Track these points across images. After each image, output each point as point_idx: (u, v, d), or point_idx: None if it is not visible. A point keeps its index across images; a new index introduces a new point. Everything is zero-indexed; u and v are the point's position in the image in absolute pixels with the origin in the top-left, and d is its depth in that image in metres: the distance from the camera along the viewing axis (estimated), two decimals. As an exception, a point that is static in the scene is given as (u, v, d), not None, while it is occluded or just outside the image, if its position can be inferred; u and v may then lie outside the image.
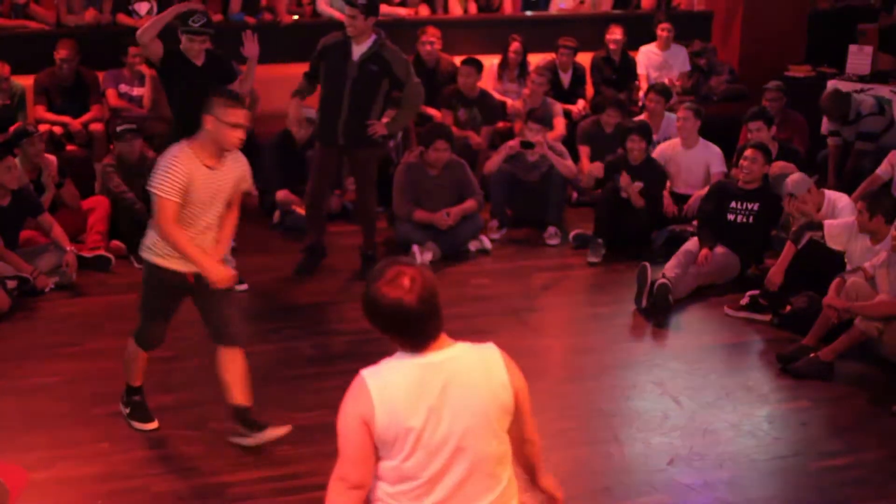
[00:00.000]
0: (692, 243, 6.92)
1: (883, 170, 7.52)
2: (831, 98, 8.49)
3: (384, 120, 6.79)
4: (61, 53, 8.21)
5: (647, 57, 9.76)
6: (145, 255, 4.60)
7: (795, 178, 6.60)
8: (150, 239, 4.58)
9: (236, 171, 4.65)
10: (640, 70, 9.73)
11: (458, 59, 9.09)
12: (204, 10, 6.74)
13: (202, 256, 4.53)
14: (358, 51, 6.57)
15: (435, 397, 2.60)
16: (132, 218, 7.29)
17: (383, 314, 2.61)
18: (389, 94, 6.76)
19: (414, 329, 2.61)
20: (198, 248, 4.53)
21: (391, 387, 2.61)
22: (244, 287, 6.80)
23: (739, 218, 6.96)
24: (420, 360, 2.63)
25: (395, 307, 2.57)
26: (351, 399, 2.67)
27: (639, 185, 7.48)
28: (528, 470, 2.89)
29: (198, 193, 4.47)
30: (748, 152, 7.01)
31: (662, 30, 9.68)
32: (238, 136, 4.52)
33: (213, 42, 8.65)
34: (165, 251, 4.54)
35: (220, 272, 4.57)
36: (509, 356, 2.74)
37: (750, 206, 6.94)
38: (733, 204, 6.98)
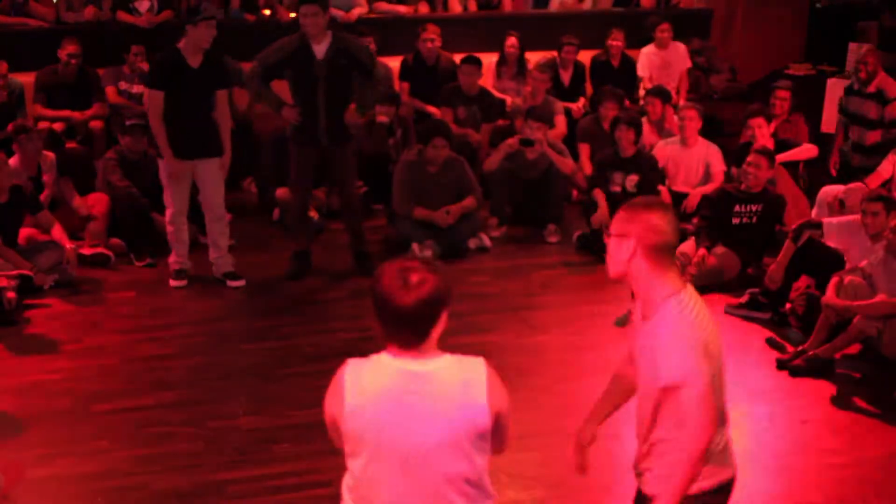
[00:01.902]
0: (688, 245, 6.90)
1: (884, 167, 7.52)
2: None
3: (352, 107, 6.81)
4: (69, 49, 8.20)
5: (647, 58, 9.73)
6: None
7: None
8: None
9: None
10: (642, 72, 9.71)
11: (457, 57, 9.09)
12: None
13: None
14: (320, 50, 6.53)
15: (406, 407, 2.54)
16: (133, 212, 7.30)
17: (376, 301, 2.55)
18: (360, 84, 6.78)
19: (400, 327, 2.55)
20: None
21: (366, 385, 2.57)
22: (241, 283, 6.80)
23: (743, 219, 6.96)
24: (402, 366, 2.57)
25: (386, 299, 2.52)
26: (332, 386, 2.65)
27: (634, 178, 7.49)
28: None
29: None
30: (752, 157, 6.95)
31: (661, 31, 9.66)
32: None
33: (220, 47, 8.72)
34: None
35: None
36: (495, 374, 2.63)
37: (753, 209, 6.94)
38: (737, 208, 6.96)
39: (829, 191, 7.14)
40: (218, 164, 6.70)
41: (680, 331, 2.77)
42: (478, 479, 2.63)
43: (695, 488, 2.87)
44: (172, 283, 6.85)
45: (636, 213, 2.85)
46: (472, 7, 10.22)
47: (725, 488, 3.00)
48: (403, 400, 2.55)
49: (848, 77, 9.44)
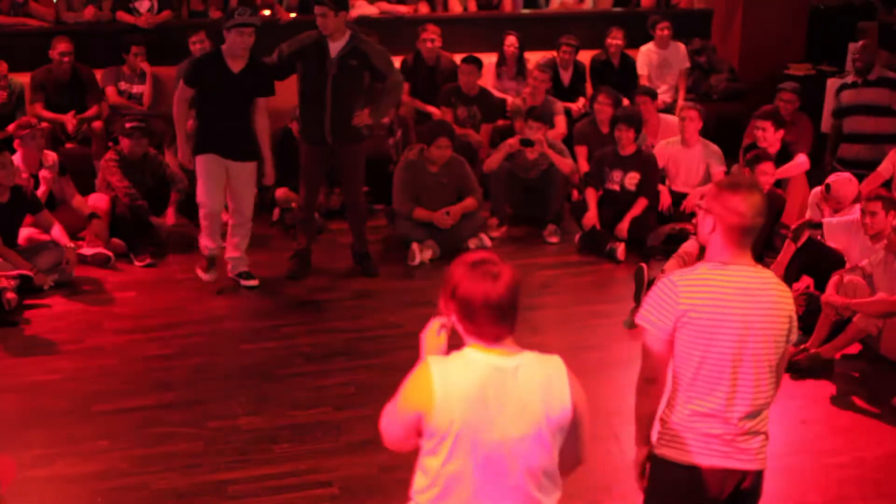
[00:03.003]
0: (691, 244, 6.90)
1: (884, 167, 7.52)
2: None
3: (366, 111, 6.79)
4: (61, 47, 8.20)
5: (646, 57, 9.74)
6: None
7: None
8: None
9: None
10: (641, 70, 9.71)
11: (457, 57, 9.09)
12: (248, 5, 6.75)
13: None
14: (335, 48, 6.55)
15: (494, 402, 2.59)
16: (132, 213, 7.30)
17: (467, 299, 2.60)
18: (371, 88, 6.77)
19: (494, 319, 2.61)
20: None
21: (455, 382, 2.59)
22: (255, 283, 6.83)
23: None
24: (490, 361, 2.62)
25: (481, 293, 2.58)
26: (412, 386, 2.64)
27: (634, 176, 7.50)
28: None
29: None
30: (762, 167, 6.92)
31: (661, 29, 9.66)
32: None
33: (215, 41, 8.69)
34: None
35: None
36: (572, 372, 2.72)
37: None
38: None
39: (819, 191, 7.14)
40: (251, 169, 6.61)
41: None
42: (553, 471, 2.69)
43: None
44: (202, 275, 6.86)
45: (721, 193, 3.09)
46: (472, 7, 10.22)
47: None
48: (492, 395, 2.59)
49: (848, 76, 9.45)
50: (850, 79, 8.44)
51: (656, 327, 3.07)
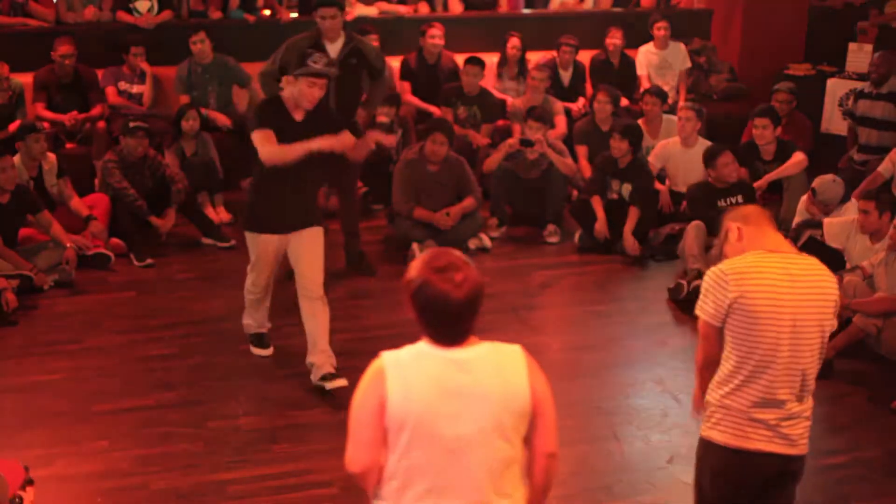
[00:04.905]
0: None
1: (884, 167, 7.51)
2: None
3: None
4: (63, 49, 8.20)
5: (645, 57, 9.74)
6: None
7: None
8: None
9: None
10: (640, 71, 9.71)
11: (457, 57, 9.08)
12: (321, 52, 5.90)
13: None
14: (334, 49, 6.55)
15: (450, 394, 2.59)
16: (131, 214, 7.30)
17: (426, 302, 2.60)
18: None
19: (451, 324, 2.61)
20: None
21: (410, 374, 2.60)
22: (343, 383, 5.37)
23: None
24: (444, 355, 2.63)
25: (440, 299, 2.57)
26: (369, 379, 2.65)
27: (626, 187, 7.53)
28: (536, 489, 2.77)
29: None
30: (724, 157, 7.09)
31: (658, 29, 9.66)
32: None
33: (220, 47, 8.70)
34: None
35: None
36: (533, 360, 2.73)
37: (733, 200, 6.98)
38: (720, 202, 6.99)
39: (807, 197, 7.12)
40: (317, 233, 5.51)
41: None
42: (515, 461, 2.69)
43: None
44: (255, 350, 5.87)
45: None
46: (458, 8, 10.17)
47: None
48: (448, 387, 2.60)
49: (848, 77, 9.45)
50: (866, 88, 8.43)
51: (710, 316, 3.22)
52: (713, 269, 3.24)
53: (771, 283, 3.11)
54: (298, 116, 5.33)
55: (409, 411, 2.58)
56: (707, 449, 3.31)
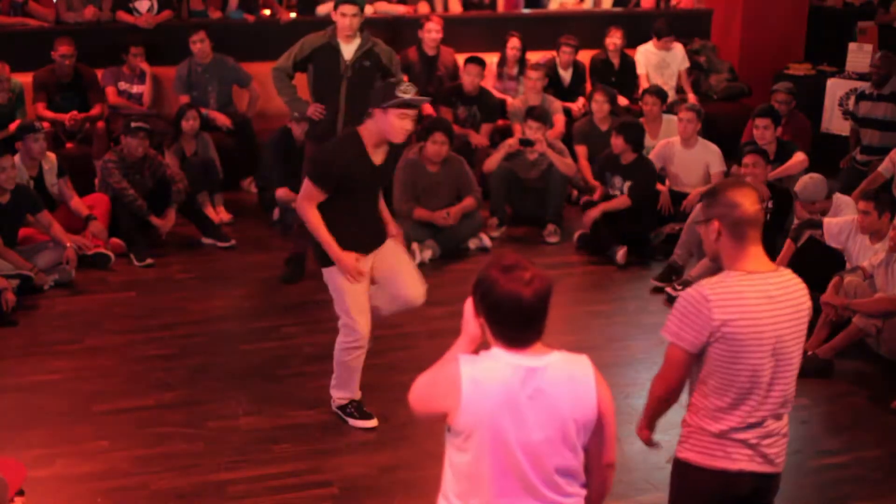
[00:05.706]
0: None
1: (884, 167, 7.52)
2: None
3: None
4: (63, 49, 8.19)
5: (645, 57, 9.74)
6: None
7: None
8: None
9: None
10: (640, 70, 9.71)
11: (458, 57, 9.07)
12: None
13: None
14: (349, 49, 6.51)
15: (522, 401, 2.58)
16: (131, 215, 7.30)
17: (495, 303, 2.59)
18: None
19: (523, 325, 2.60)
20: None
21: (483, 382, 2.59)
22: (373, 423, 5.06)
23: None
24: (518, 362, 2.61)
25: (510, 298, 2.56)
26: (441, 384, 2.64)
27: (626, 183, 7.52)
28: (594, 497, 2.77)
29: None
30: (748, 158, 6.97)
31: (657, 29, 9.66)
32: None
33: (220, 47, 8.70)
34: None
35: None
36: (599, 372, 2.71)
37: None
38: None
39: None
40: (395, 244, 5.08)
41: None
42: (576, 471, 2.69)
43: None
44: (353, 422, 5.01)
45: (715, 195, 3.10)
46: (457, 8, 10.16)
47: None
48: (520, 395, 2.59)
49: (848, 77, 9.46)
50: (867, 89, 8.43)
51: (686, 342, 3.01)
52: (691, 291, 3.02)
53: (753, 309, 2.98)
54: (378, 159, 4.77)
55: (480, 419, 2.57)
56: (684, 470, 3.17)
